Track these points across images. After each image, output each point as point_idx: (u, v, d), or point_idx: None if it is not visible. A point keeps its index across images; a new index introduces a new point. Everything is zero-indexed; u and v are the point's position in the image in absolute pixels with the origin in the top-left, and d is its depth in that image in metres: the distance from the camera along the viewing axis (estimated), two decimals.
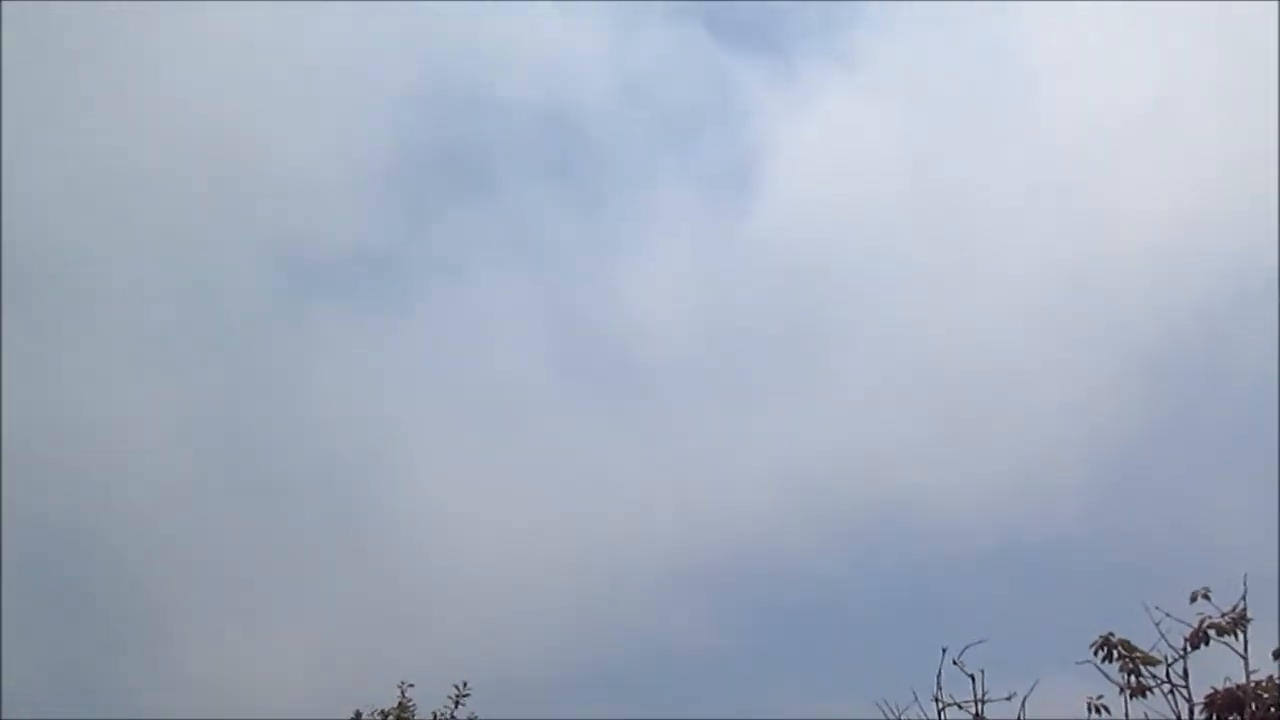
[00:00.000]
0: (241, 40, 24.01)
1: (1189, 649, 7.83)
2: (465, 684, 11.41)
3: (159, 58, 23.85)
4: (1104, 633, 8.07)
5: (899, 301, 23.39)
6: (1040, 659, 8.59)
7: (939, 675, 8.12)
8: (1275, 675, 7.60)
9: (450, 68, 25.34)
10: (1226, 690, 7.65)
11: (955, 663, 8.11)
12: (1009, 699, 8.03)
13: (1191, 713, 7.75)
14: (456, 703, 11.39)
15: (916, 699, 8.12)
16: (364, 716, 11.26)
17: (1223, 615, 7.76)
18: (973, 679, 8.10)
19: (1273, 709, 7.55)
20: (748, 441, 21.49)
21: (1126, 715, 7.82)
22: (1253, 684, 7.59)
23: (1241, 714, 7.57)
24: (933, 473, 19.43)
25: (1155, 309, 21.58)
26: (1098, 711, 7.89)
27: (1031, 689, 8.01)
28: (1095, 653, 8.00)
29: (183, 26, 23.67)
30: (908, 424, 20.99)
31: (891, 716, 8.17)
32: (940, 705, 8.05)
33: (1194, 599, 7.85)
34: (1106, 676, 7.94)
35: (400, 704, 11.22)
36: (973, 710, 8.03)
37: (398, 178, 24.78)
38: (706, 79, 26.20)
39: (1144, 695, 7.85)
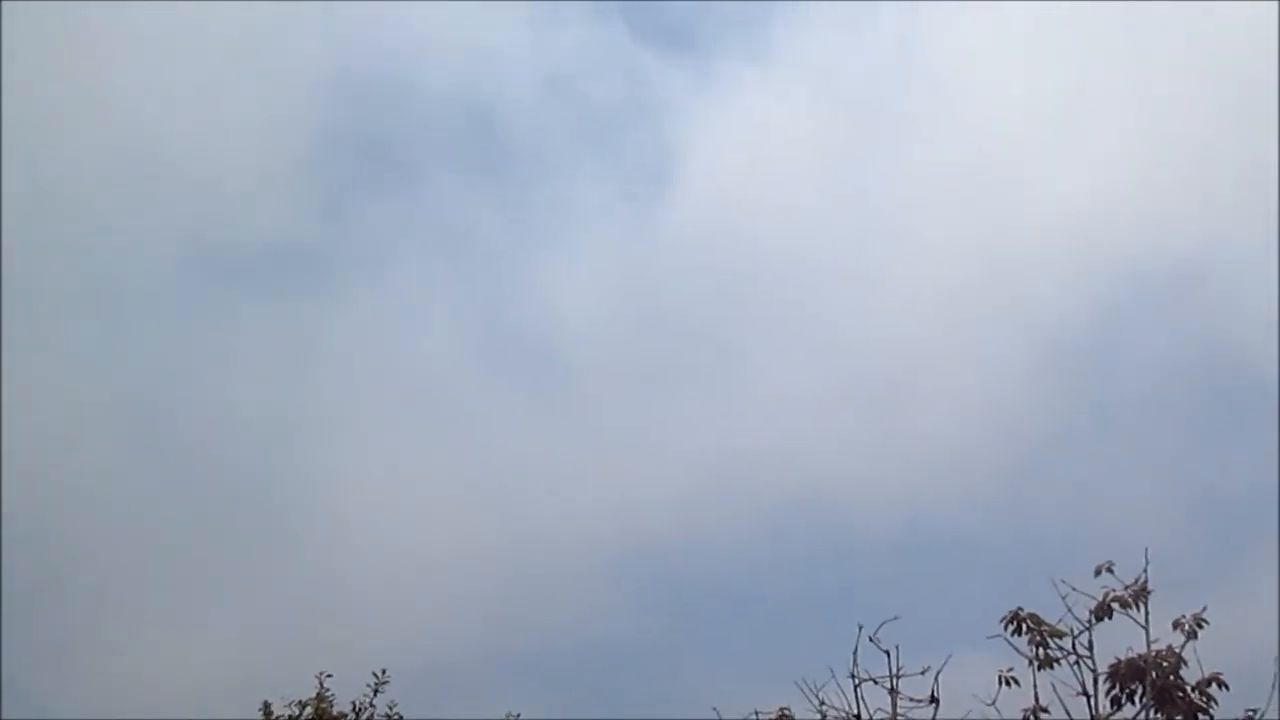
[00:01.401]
0: (152, 29, 23.46)
1: (1094, 621, 8.02)
2: (384, 671, 11.28)
3: (66, 51, 23.22)
4: (1013, 608, 8.24)
5: (816, 295, 23.67)
6: (953, 637, 8.73)
7: (855, 652, 8.21)
8: (1174, 645, 7.82)
9: (369, 58, 25.01)
10: (1129, 660, 7.85)
11: (871, 639, 8.20)
12: (923, 673, 8.14)
13: (1096, 682, 7.93)
14: (375, 691, 11.26)
15: (834, 676, 8.20)
16: (277, 708, 11.03)
17: (1125, 588, 7.96)
18: (888, 654, 8.20)
19: (1171, 677, 7.77)
20: (668, 432, 21.59)
21: (1035, 686, 7.98)
22: (1153, 654, 7.80)
23: (1143, 682, 7.77)
24: (849, 463, 19.68)
25: (1065, 301, 22.12)
26: (1008, 684, 8.05)
27: (945, 663, 8.13)
28: (1005, 627, 8.15)
29: (92, 17, 23.08)
30: (825, 415, 21.24)
31: (810, 695, 8.23)
32: (857, 681, 8.13)
33: (1098, 573, 8.05)
34: (1016, 649, 8.11)
35: (318, 695, 11.05)
36: (888, 685, 8.12)
37: (317, 169, 24.39)
38: (625, 75, 26.24)
39: (1051, 666, 8.03)
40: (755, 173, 24.78)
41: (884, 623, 8.21)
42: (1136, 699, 7.80)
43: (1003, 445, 19.46)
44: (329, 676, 11.21)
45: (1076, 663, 7.99)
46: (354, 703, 11.23)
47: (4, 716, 13.56)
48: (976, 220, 23.38)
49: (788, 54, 25.80)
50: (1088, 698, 7.90)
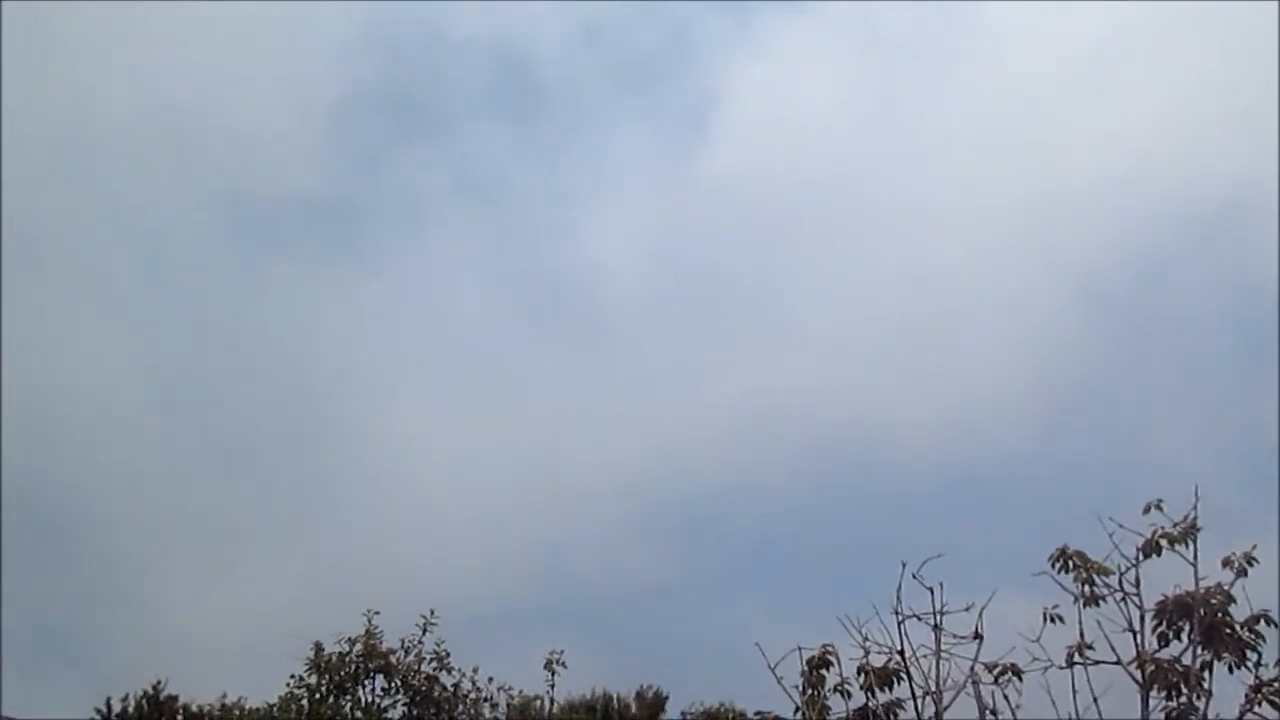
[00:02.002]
0: None
1: (1141, 558, 7.91)
2: (433, 612, 11.39)
3: (100, 12, 23.18)
4: (1060, 546, 8.14)
5: (854, 239, 23.45)
6: (997, 575, 8.63)
7: (899, 589, 8.13)
8: (1223, 583, 7.70)
9: (399, 8, 24.82)
10: (1177, 597, 7.75)
11: (915, 577, 8.12)
12: (967, 609, 8.06)
13: (1143, 619, 7.83)
14: (424, 629, 11.37)
15: (877, 613, 8.13)
16: (329, 647, 11.21)
17: (1174, 525, 7.84)
18: (931, 592, 8.10)
19: (1220, 614, 7.66)
20: (706, 378, 21.56)
21: (1080, 623, 7.90)
22: (1202, 591, 7.68)
23: (1190, 619, 7.66)
24: (888, 404, 19.60)
25: (1106, 241, 21.79)
26: (1053, 620, 7.96)
27: (989, 600, 8.04)
28: (1052, 564, 8.06)
29: None
30: (865, 358, 21.13)
31: (853, 631, 8.18)
32: (900, 618, 8.06)
33: (1147, 510, 7.92)
34: (1062, 587, 8.02)
35: (367, 631, 11.17)
36: (932, 621, 8.05)
37: (350, 124, 24.39)
38: (662, 22, 25.89)
39: (1097, 604, 7.93)
40: (793, 119, 24.51)
41: (927, 560, 8.13)
42: (1184, 636, 7.71)
43: (1044, 385, 19.31)
44: (377, 614, 11.35)
45: (1123, 600, 7.89)
46: (403, 640, 11.37)
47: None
48: (1016, 162, 23.07)
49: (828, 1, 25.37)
50: (1134, 634, 7.81)
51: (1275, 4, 18.70)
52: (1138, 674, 7.70)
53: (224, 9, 23.49)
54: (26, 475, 18.56)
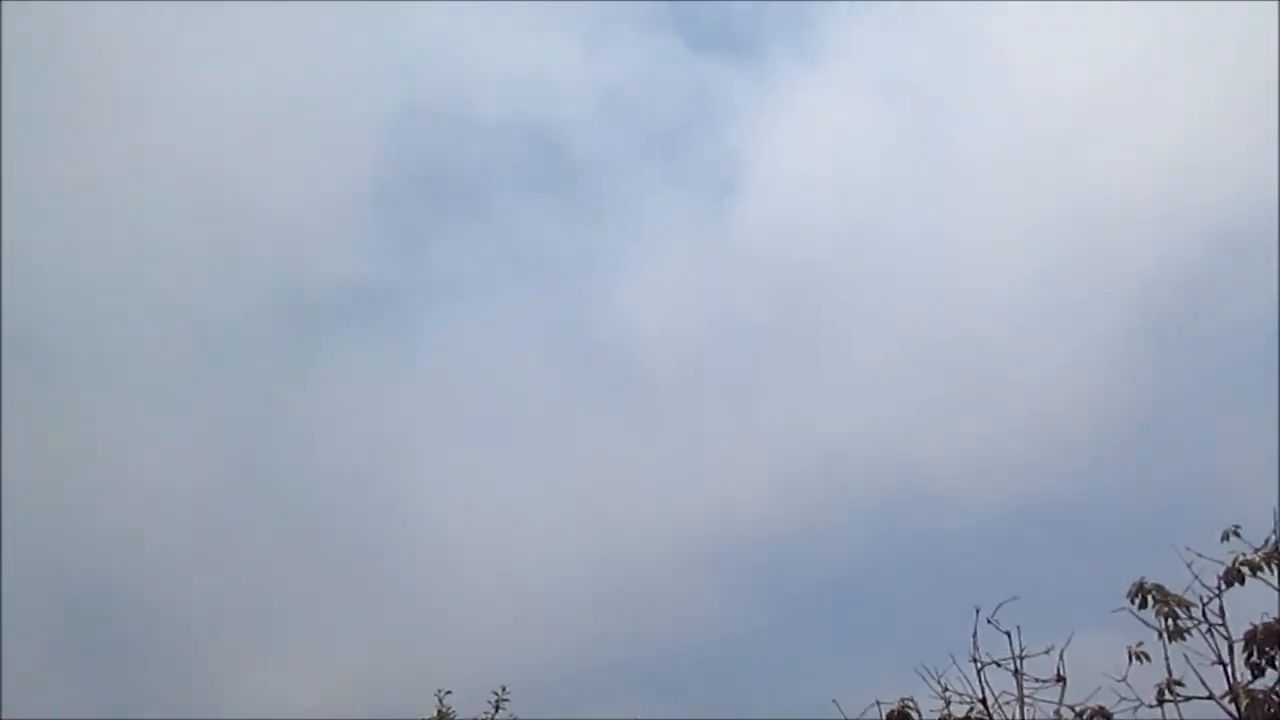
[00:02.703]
0: (219, 76, 23.90)
1: (1223, 588, 7.62)
2: (504, 689, 11.16)
3: (136, 103, 23.73)
4: (1136, 580, 7.88)
5: (894, 284, 23.28)
6: (1071, 614, 8.37)
7: (974, 635, 7.90)
8: None
9: (427, 92, 25.27)
10: (1265, 625, 7.44)
11: (990, 621, 7.89)
12: (1047, 652, 7.82)
13: (1231, 650, 7.53)
14: (497, 707, 11.15)
15: (954, 661, 7.90)
16: None
17: (1255, 551, 7.56)
18: (1009, 636, 7.89)
19: None
20: (757, 430, 21.38)
21: (1166, 658, 7.61)
22: None
23: None
24: (944, 443, 19.30)
25: (1154, 268, 21.47)
26: (1138, 659, 7.69)
27: (1068, 641, 7.80)
28: (1130, 600, 7.79)
29: (160, 64, 23.61)
30: (915, 397, 20.87)
31: (931, 681, 7.94)
32: (979, 665, 7.83)
33: (1225, 537, 7.65)
34: (1144, 623, 7.73)
35: (440, 713, 10.97)
36: (1012, 666, 7.81)
37: (388, 204, 24.68)
38: (683, 86, 26.13)
39: (1182, 638, 7.64)
40: (821, 167, 24.53)
41: (1002, 603, 7.90)
42: (1277, 664, 7.40)
43: (1102, 419, 18.93)
44: (448, 693, 11.14)
45: (1209, 631, 7.60)
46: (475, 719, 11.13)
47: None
48: (1054, 195, 22.86)
49: (842, 50, 25.54)
50: (1224, 666, 7.51)
51: None
52: (1232, 708, 7.39)
53: (262, 97, 24.02)
54: (81, 569, 18.72)
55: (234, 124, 24.03)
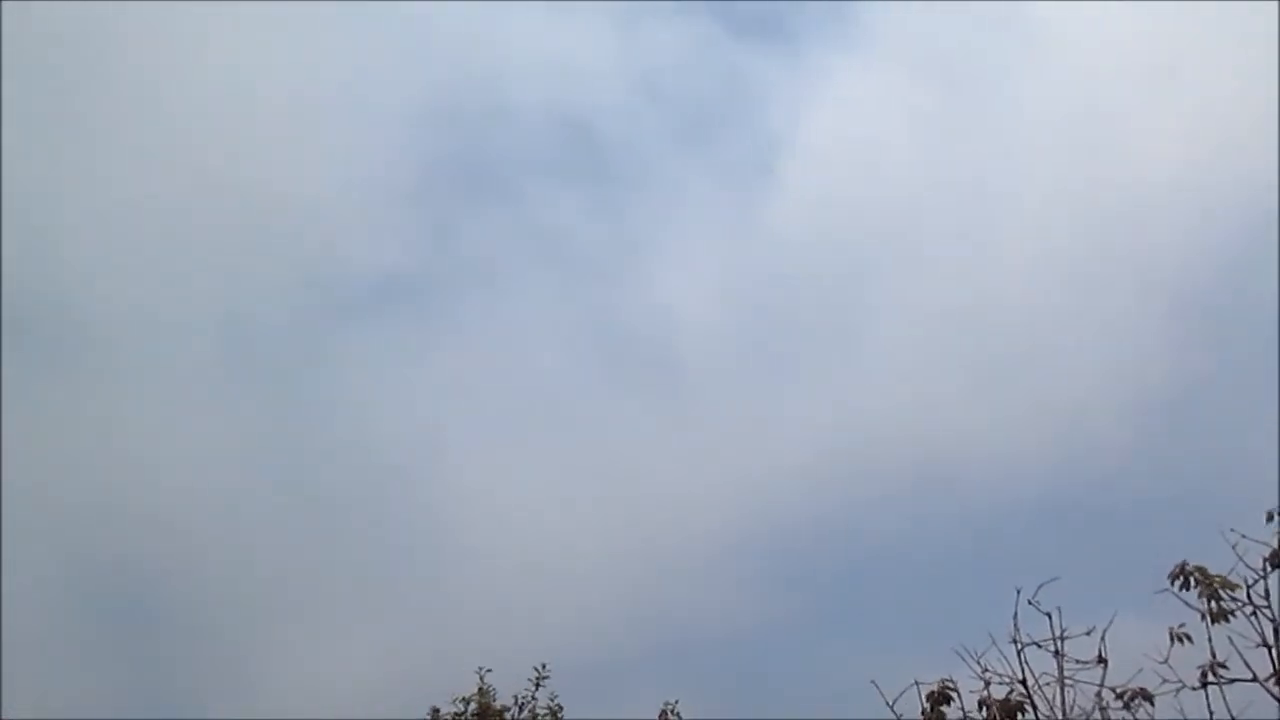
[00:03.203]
0: (249, 69, 24.00)
1: (1269, 569, 7.50)
2: (544, 666, 11.22)
3: (172, 91, 23.87)
4: (1178, 562, 7.77)
5: (927, 269, 23.10)
6: (1114, 597, 8.28)
7: (1015, 616, 7.82)
8: None
9: (458, 81, 25.31)
10: None
11: (1031, 602, 7.80)
12: (1088, 634, 7.72)
13: (1276, 633, 7.41)
14: (537, 684, 11.20)
15: (994, 642, 7.82)
16: (443, 708, 11.11)
17: None
18: (1049, 617, 7.80)
19: None
20: (787, 417, 21.32)
21: (1210, 640, 7.50)
22: None
23: None
24: (977, 424, 19.18)
25: (1184, 252, 21.22)
26: (1180, 640, 7.58)
27: (1110, 621, 7.70)
28: (1172, 582, 7.68)
29: (192, 57, 23.72)
30: (947, 379, 20.76)
31: (971, 662, 7.87)
32: (1019, 645, 7.74)
33: (1270, 519, 7.53)
34: (1187, 604, 7.63)
35: (480, 689, 11.03)
36: (1052, 648, 7.72)
37: (420, 194, 24.74)
38: (718, 71, 25.98)
39: (1226, 620, 7.52)
40: (857, 155, 24.35)
41: (1043, 584, 7.82)
42: None
43: (1135, 401, 18.74)
44: (489, 671, 11.21)
45: (1254, 614, 7.48)
46: (516, 696, 11.20)
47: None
48: (1085, 179, 22.62)
49: (878, 31, 25.36)
50: (1269, 649, 7.39)
51: None
52: (1277, 690, 7.28)
53: (296, 87, 24.09)
54: (111, 556, 18.91)
55: (268, 115, 24.19)
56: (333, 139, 24.59)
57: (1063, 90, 23.52)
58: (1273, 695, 7.30)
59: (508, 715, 11.01)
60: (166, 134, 23.61)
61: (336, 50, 24.33)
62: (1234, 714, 7.33)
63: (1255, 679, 7.35)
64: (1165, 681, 7.51)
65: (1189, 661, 7.57)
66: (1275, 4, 20.52)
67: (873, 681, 7.96)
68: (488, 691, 10.99)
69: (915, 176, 23.79)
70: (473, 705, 10.83)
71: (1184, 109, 22.20)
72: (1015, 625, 7.80)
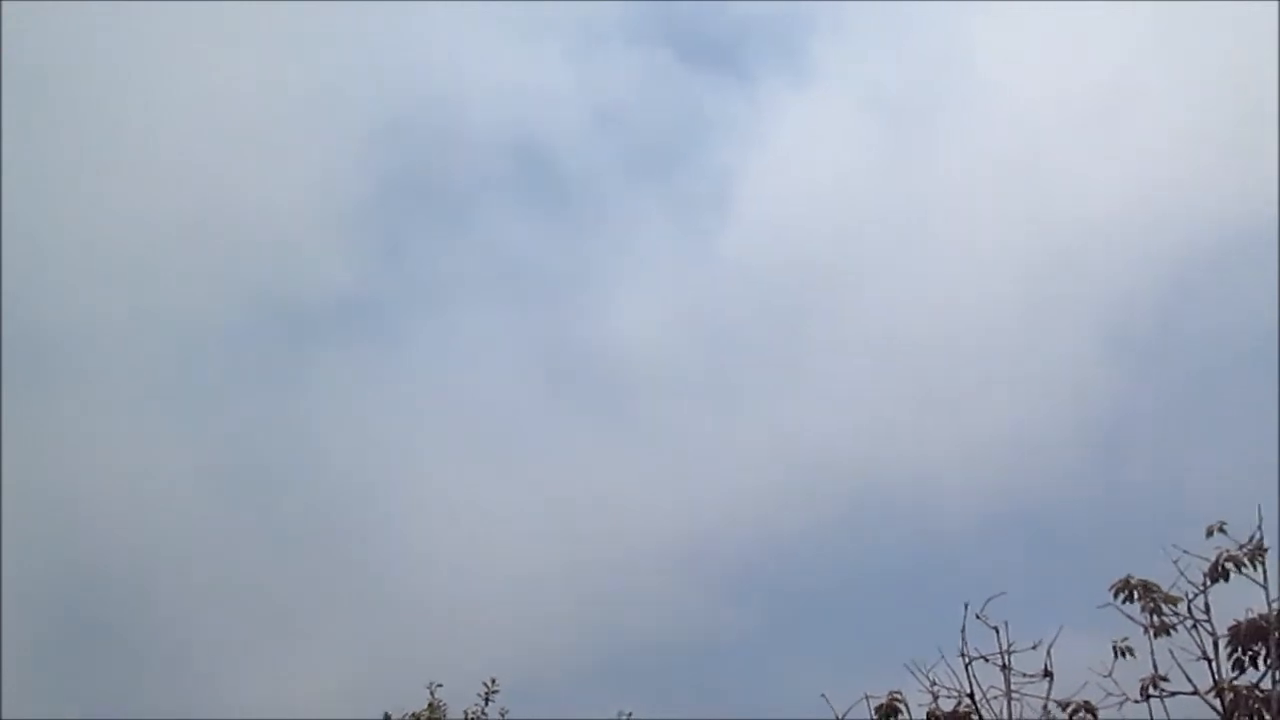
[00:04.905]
0: (205, 82, 23.68)
1: (1209, 584, 7.54)
2: (494, 680, 11.00)
3: (125, 106, 23.51)
4: (1122, 576, 7.79)
5: (874, 300, 23.24)
6: (1060, 612, 8.27)
7: (963, 631, 7.78)
8: None
9: (416, 105, 25.07)
10: (1250, 621, 7.37)
11: (979, 617, 7.78)
12: (1034, 648, 7.71)
13: (1216, 646, 7.45)
14: (487, 699, 10.99)
15: (943, 656, 7.78)
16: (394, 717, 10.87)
17: (1240, 547, 7.48)
18: (996, 631, 7.77)
19: None
20: (740, 438, 21.25)
21: (1152, 654, 7.52)
22: (1275, 613, 7.31)
23: (1266, 643, 7.28)
24: (926, 447, 19.24)
25: (1125, 284, 21.55)
26: (1123, 654, 7.59)
27: (1056, 636, 7.69)
28: (1115, 595, 7.70)
29: (145, 71, 23.40)
30: (896, 405, 20.83)
31: (920, 676, 7.82)
32: (967, 660, 7.71)
33: (1210, 533, 7.57)
34: (1129, 618, 7.65)
35: (430, 704, 10.80)
36: (999, 662, 7.69)
37: (375, 217, 24.46)
38: (673, 103, 26.06)
39: (1168, 633, 7.56)
40: (807, 189, 24.51)
41: (990, 599, 7.79)
42: (1261, 661, 7.32)
43: (1079, 427, 18.91)
44: (439, 685, 10.98)
45: (1194, 627, 7.51)
46: (466, 711, 10.96)
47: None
48: (1030, 214, 22.86)
49: (828, 69, 25.57)
50: (1209, 662, 7.42)
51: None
52: (1216, 703, 7.30)
53: (244, 105, 23.79)
54: (77, 568, 18.48)
55: (224, 130, 23.86)
56: (293, 154, 24.31)
57: (1006, 129, 23.88)
58: (1212, 708, 7.32)
59: None
60: (118, 148, 23.28)
61: (296, 66, 24.05)
62: None
63: (1195, 692, 7.37)
64: (1109, 695, 7.53)
65: (1132, 675, 7.60)
66: (1218, 48, 21.04)
67: (823, 695, 7.92)
68: (438, 706, 10.76)
69: (863, 210, 23.98)
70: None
71: (1124, 147, 22.60)
72: (963, 640, 7.77)
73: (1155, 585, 7.58)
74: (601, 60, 25.83)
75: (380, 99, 24.73)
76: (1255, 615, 7.36)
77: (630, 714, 10.29)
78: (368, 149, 24.45)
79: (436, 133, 25.30)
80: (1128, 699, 7.48)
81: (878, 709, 7.74)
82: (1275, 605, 7.34)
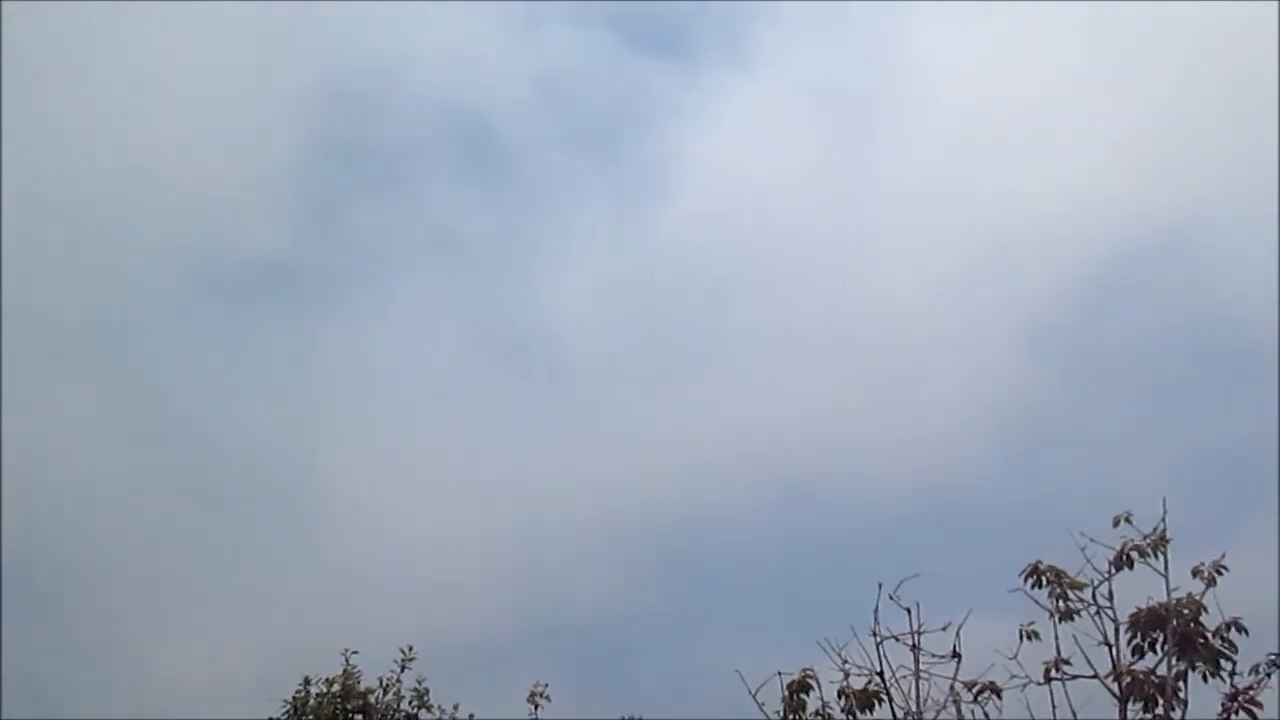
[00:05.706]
0: (136, 44, 23.09)
1: (1113, 571, 7.70)
2: (411, 648, 10.96)
3: (54, 69, 22.80)
4: (1031, 562, 7.92)
5: (809, 287, 23.42)
6: (972, 596, 8.38)
7: (876, 611, 7.87)
8: (1194, 594, 7.50)
9: (354, 66, 24.56)
10: (1149, 609, 7.55)
11: (891, 597, 7.86)
12: (944, 629, 7.82)
13: (1117, 632, 7.61)
14: (403, 666, 10.94)
15: (856, 635, 7.86)
16: (314, 685, 10.78)
17: (1144, 538, 7.64)
18: (908, 612, 7.87)
19: (1192, 624, 7.46)
20: (670, 416, 21.36)
21: (1056, 638, 7.66)
22: (1174, 602, 7.48)
23: (1164, 630, 7.45)
24: (850, 439, 19.44)
25: (1052, 282, 21.98)
26: (1029, 637, 7.73)
27: (965, 619, 7.80)
28: (1025, 580, 7.83)
29: (76, 34, 22.70)
30: (822, 396, 21.01)
31: (832, 654, 7.89)
32: (878, 639, 7.80)
33: (1116, 523, 7.72)
34: (1036, 603, 7.78)
35: (345, 671, 10.71)
36: (910, 642, 7.79)
37: (307, 178, 24.00)
38: (616, 82, 25.90)
39: (1072, 619, 7.71)
40: (745, 175, 24.54)
41: (903, 580, 7.88)
42: (1158, 647, 7.49)
43: (1003, 417, 19.28)
44: (354, 653, 10.93)
45: (1097, 614, 7.67)
46: (381, 678, 10.92)
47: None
48: (963, 210, 23.18)
49: (770, 56, 25.61)
50: (1109, 648, 7.58)
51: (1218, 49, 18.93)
52: (1115, 687, 7.47)
53: (178, 62, 23.17)
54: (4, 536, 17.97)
55: (154, 90, 23.24)
56: (218, 113, 23.68)
57: (942, 129, 24.14)
58: (1111, 691, 7.48)
59: (372, 697, 10.71)
60: (51, 109, 22.57)
61: (231, 30, 23.46)
62: (1075, 709, 7.49)
63: (1096, 676, 7.53)
64: (1014, 677, 7.67)
65: (1037, 658, 7.74)
66: (1149, 64, 21.48)
67: (737, 671, 7.97)
68: (353, 673, 10.68)
69: (800, 201, 24.11)
70: (336, 687, 10.51)
71: (1054, 151, 22.98)
72: (876, 620, 7.86)
73: (1063, 572, 7.71)
74: (545, 34, 25.62)
75: (315, 62, 24.27)
76: (1155, 604, 7.51)
77: (546, 686, 10.31)
78: (302, 112, 23.98)
79: (374, 91, 24.86)
80: (1031, 681, 7.61)
81: (789, 685, 7.81)
82: (1174, 594, 7.50)
